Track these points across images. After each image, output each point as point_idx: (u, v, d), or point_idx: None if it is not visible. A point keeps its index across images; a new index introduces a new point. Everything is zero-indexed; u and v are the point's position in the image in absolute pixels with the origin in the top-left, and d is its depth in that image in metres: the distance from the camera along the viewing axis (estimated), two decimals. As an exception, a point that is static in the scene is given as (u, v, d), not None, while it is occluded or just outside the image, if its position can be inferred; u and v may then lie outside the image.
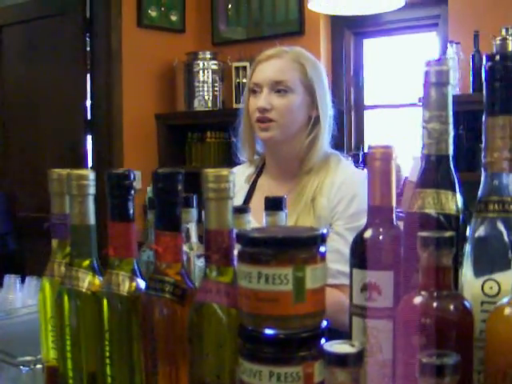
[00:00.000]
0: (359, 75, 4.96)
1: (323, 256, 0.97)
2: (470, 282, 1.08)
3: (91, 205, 1.24)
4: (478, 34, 4.12)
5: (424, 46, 4.77)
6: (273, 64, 2.32)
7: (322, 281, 0.98)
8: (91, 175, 1.23)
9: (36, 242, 5.07)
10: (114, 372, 1.21)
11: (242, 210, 1.44)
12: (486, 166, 1.08)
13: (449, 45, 4.18)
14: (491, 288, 1.05)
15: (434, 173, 1.11)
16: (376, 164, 1.15)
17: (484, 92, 1.09)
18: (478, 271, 1.07)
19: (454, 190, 1.11)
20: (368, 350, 1.15)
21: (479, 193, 1.09)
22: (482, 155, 1.09)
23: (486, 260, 1.07)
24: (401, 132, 4.69)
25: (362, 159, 4.25)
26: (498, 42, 4.05)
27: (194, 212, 1.52)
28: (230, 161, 4.75)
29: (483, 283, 1.06)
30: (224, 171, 1.05)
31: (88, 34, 5.03)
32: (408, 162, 3.32)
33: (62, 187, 1.30)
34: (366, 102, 4.95)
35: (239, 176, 2.46)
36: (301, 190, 2.30)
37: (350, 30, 4.93)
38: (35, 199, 5.14)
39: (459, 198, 1.11)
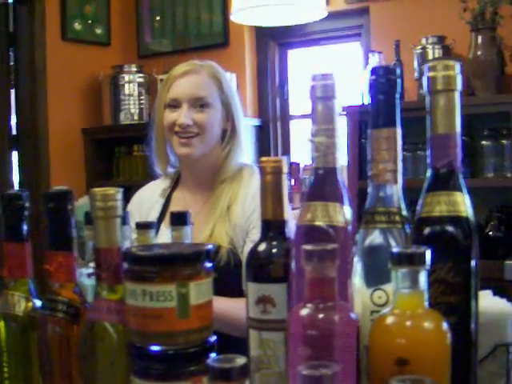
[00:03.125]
0: (284, 86, 4.99)
1: (208, 271, 0.99)
2: (360, 291, 1.10)
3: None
4: (399, 43, 4.19)
5: (348, 55, 4.83)
6: (191, 79, 2.32)
7: (208, 296, 0.99)
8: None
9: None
10: (13, 392, 1.20)
11: (145, 225, 1.45)
12: (372, 178, 1.11)
13: (371, 54, 4.23)
14: (380, 297, 1.07)
15: (322, 186, 1.13)
16: (267, 178, 1.16)
17: (369, 105, 1.12)
18: (368, 281, 1.09)
19: (341, 202, 1.13)
20: (265, 362, 1.17)
21: (366, 204, 1.11)
22: (368, 167, 1.11)
23: (375, 270, 1.10)
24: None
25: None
26: (418, 51, 4.13)
27: (127, 229, 1.53)
28: (157, 174, 4.77)
29: (372, 293, 1.08)
30: (111, 190, 1.05)
31: (12, 49, 4.97)
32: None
33: None
34: (292, 112, 4.98)
35: (154, 190, 2.48)
36: (216, 199, 2.31)
37: (274, 41, 4.96)
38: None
39: (347, 209, 1.13)
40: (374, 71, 1.11)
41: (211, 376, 0.90)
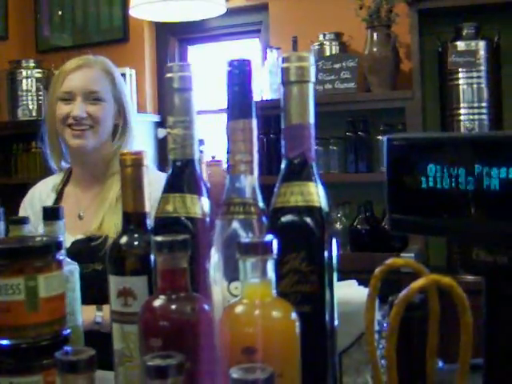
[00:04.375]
0: (184, 81, 4.99)
1: (59, 264, 0.98)
2: (218, 282, 1.11)
3: None
4: (297, 39, 4.23)
5: (248, 51, 4.85)
6: (84, 73, 2.32)
7: (59, 289, 0.98)
8: None
9: None
10: None
11: (19, 221, 1.43)
12: (229, 169, 1.12)
13: (268, 50, 4.26)
14: (236, 288, 1.08)
15: (180, 177, 1.14)
16: (127, 170, 1.16)
17: (226, 97, 1.12)
18: (225, 272, 1.10)
19: (199, 194, 1.13)
20: (128, 355, 1.17)
21: (224, 195, 1.12)
22: (226, 158, 1.12)
23: (232, 261, 1.10)
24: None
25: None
26: (316, 48, 4.17)
27: (1, 225, 1.51)
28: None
29: (229, 284, 1.09)
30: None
31: None
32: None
33: None
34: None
35: (47, 185, 2.47)
36: (105, 192, 2.32)
37: (174, 37, 4.95)
38: None
39: (205, 201, 1.14)
40: (230, 63, 1.12)
41: (59, 369, 0.90)
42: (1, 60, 5.05)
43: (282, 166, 1.11)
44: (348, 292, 1.26)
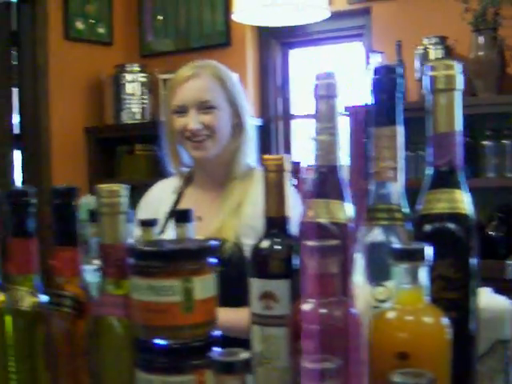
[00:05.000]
0: (286, 85, 5.00)
1: (213, 267, 1.00)
2: (361, 287, 1.11)
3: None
4: (401, 43, 4.20)
5: (350, 55, 4.84)
6: (194, 84, 2.35)
7: (212, 291, 1.01)
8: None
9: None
10: (18, 386, 1.22)
11: (148, 223, 1.46)
12: (374, 176, 1.12)
13: (372, 54, 4.25)
14: (381, 293, 1.09)
15: (324, 183, 1.15)
16: (270, 175, 1.18)
17: (371, 104, 1.13)
18: (369, 277, 1.11)
19: (343, 200, 1.14)
20: (268, 358, 1.18)
21: (368, 201, 1.13)
22: (370, 165, 1.13)
23: (376, 266, 1.11)
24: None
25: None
26: (420, 52, 4.14)
27: (131, 227, 1.54)
28: (160, 173, 4.78)
29: (373, 289, 1.09)
30: (116, 186, 1.07)
31: (14, 48, 4.99)
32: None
33: None
34: (293, 112, 4.99)
35: (167, 187, 2.53)
36: (227, 196, 2.35)
37: (276, 41, 4.97)
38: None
39: (349, 206, 1.15)
40: (376, 70, 1.13)
41: (214, 369, 0.92)
42: (106, 65, 5.15)
43: (429, 173, 1.11)
44: (485, 299, 1.25)
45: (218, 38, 5.00)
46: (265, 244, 1.19)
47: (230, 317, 1.95)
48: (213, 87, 2.36)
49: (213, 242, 1.01)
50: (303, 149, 4.94)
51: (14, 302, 1.20)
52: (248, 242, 2.26)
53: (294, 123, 5.00)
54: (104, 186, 1.07)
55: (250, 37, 4.95)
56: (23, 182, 4.92)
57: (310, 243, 1.00)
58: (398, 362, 0.93)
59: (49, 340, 1.16)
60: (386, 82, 1.12)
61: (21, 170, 5.00)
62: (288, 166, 1.19)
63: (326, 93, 1.15)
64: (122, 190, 1.07)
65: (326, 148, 1.14)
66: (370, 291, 1.10)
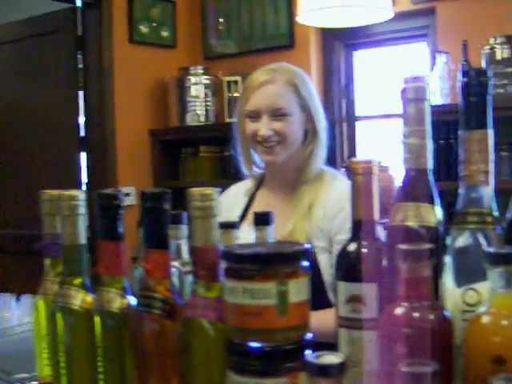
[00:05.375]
0: (350, 87, 4.99)
1: (306, 270, 1.01)
2: (450, 291, 1.11)
3: (82, 224, 1.27)
4: (467, 43, 4.15)
5: (414, 56, 4.81)
6: (268, 91, 2.36)
7: (305, 295, 1.01)
8: (81, 196, 1.26)
9: (21, 260, 5.13)
10: (107, 386, 1.23)
11: (229, 225, 1.47)
12: (463, 179, 1.12)
13: (437, 55, 4.21)
14: (471, 297, 1.08)
15: (414, 187, 1.14)
16: (358, 178, 1.18)
17: (460, 107, 1.12)
18: (459, 281, 1.10)
19: (433, 203, 1.14)
20: (354, 361, 1.18)
21: (458, 205, 1.12)
22: (459, 168, 1.12)
23: (466, 270, 1.10)
24: (392, 142, 4.71)
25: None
26: (486, 52, 4.09)
27: (184, 229, 1.55)
28: (224, 175, 4.83)
29: (464, 293, 1.09)
30: (208, 190, 1.08)
31: (80, 52, 5.05)
32: (401, 172, 3.36)
33: (53, 208, 1.33)
34: (358, 113, 4.98)
35: (239, 190, 2.56)
36: (298, 199, 2.37)
37: (340, 42, 4.96)
38: (24, 218, 5.17)
39: (438, 210, 1.14)
40: (465, 73, 1.12)
41: (310, 372, 0.92)
42: (170, 67, 5.19)
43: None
44: None
45: (281, 40, 5.00)
46: (352, 247, 1.18)
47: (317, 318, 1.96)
48: (286, 94, 2.37)
49: (307, 246, 1.01)
50: (367, 151, 4.92)
51: (104, 303, 1.21)
52: (319, 245, 2.26)
53: (358, 125, 4.98)
54: (196, 190, 1.08)
55: (314, 38, 4.94)
56: (88, 184, 4.99)
57: (404, 247, 1.00)
58: (494, 367, 0.92)
59: (138, 341, 1.17)
60: (476, 84, 1.11)
61: (86, 172, 5.06)
62: (376, 170, 1.19)
63: (414, 96, 1.15)
64: (214, 194, 1.08)
65: (416, 151, 1.14)
66: (460, 295, 1.09)
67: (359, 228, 1.19)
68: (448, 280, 1.12)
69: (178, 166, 5.24)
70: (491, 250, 0.96)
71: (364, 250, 1.18)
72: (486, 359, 0.93)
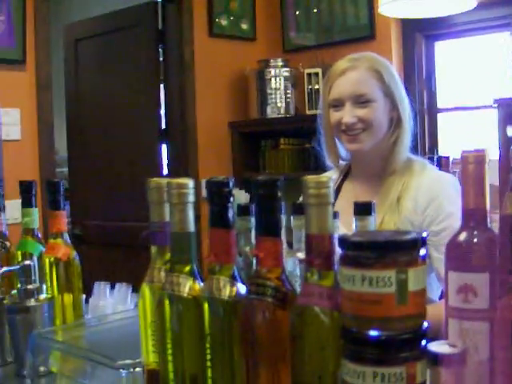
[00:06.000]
0: (431, 78, 4.94)
1: (424, 259, 1.00)
2: None
3: (191, 212, 1.28)
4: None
5: (497, 46, 4.73)
6: (350, 77, 2.34)
7: (423, 283, 1.00)
8: (191, 184, 1.26)
9: (103, 250, 5.20)
10: (215, 375, 1.24)
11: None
12: None
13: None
14: None
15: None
16: (469, 168, 1.17)
17: None
18: None
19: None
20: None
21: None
22: None
23: None
24: (475, 135, 4.65)
25: (436, 163, 4.23)
26: None
27: (252, 220, 1.56)
28: (304, 167, 4.82)
29: None
30: (324, 177, 1.08)
31: (161, 45, 5.11)
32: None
33: (160, 196, 1.35)
34: (439, 105, 4.92)
35: None
36: (386, 190, 2.34)
37: (421, 33, 4.91)
38: (106, 208, 5.25)
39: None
40: None
41: (432, 361, 0.92)
42: (249, 60, 5.21)
43: None
44: None
45: (361, 31, 4.98)
46: (463, 236, 1.17)
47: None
48: (369, 80, 2.34)
49: (424, 235, 1.01)
50: (449, 143, 4.86)
51: (213, 290, 1.22)
52: None
53: (440, 117, 4.93)
54: (312, 177, 1.08)
55: (395, 29, 4.91)
56: (169, 176, 5.04)
57: (525, 236, 0.98)
58: None
59: (248, 329, 1.18)
60: None
61: (167, 164, 5.12)
62: (488, 159, 1.18)
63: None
64: (329, 181, 1.08)
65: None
66: None
67: (470, 217, 1.18)
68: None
69: (257, 158, 5.26)
70: None
71: (475, 240, 1.17)
72: None
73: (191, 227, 1.28)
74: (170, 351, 1.31)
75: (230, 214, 1.22)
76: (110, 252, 5.19)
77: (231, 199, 1.22)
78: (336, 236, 1.05)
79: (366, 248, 0.97)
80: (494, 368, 1.10)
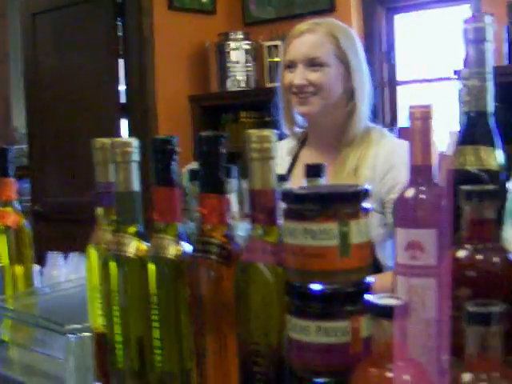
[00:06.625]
0: (391, 51, 4.93)
1: (366, 212, 0.99)
2: (509, 234, 1.09)
3: (135, 171, 1.26)
4: (512, 4, 4.09)
5: (457, 19, 4.73)
6: (306, 40, 2.33)
7: (367, 237, 0.99)
8: (135, 142, 1.25)
9: (64, 226, 5.17)
10: (161, 335, 1.23)
11: (281, 178, 1.45)
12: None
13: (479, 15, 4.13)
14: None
15: (474, 129, 1.12)
16: (416, 123, 1.15)
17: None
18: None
19: (494, 146, 1.11)
20: (411, 309, 1.16)
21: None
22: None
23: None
24: (436, 107, 4.65)
25: (398, 134, 4.24)
26: (532, 13, 4.02)
27: (234, 183, 1.54)
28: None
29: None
30: (266, 132, 1.06)
31: (119, 19, 5.05)
32: (444, 136, 3.31)
33: (106, 156, 1.33)
34: (399, 78, 4.92)
35: (281, 149, 2.50)
36: (342, 160, 2.32)
37: (381, 6, 4.90)
38: (66, 184, 5.21)
39: (500, 154, 1.12)
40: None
41: (376, 314, 0.91)
42: (210, 33, 5.17)
43: None
44: None
45: (321, 4, 4.95)
46: (411, 193, 1.16)
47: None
48: (325, 44, 2.32)
49: (368, 187, 1.00)
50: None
51: (158, 250, 1.21)
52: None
53: (399, 89, 4.93)
54: (254, 131, 1.06)
55: (354, 2, 4.89)
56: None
57: (468, 188, 0.98)
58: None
59: (194, 288, 1.16)
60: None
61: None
62: (434, 115, 1.17)
63: (474, 37, 1.12)
64: (272, 136, 1.06)
65: (476, 93, 1.11)
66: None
67: (417, 173, 1.17)
68: (509, 225, 1.09)
69: (218, 131, 5.22)
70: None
71: (422, 196, 1.16)
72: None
73: (136, 186, 1.26)
74: (116, 313, 1.29)
75: (174, 171, 1.20)
76: (71, 228, 5.14)
77: (175, 157, 1.20)
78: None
79: (308, 201, 0.96)
80: (439, 325, 1.09)
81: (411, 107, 1.16)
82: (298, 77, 2.31)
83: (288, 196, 0.99)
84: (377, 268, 1.95)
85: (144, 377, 1.28)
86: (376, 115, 4.70)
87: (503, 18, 4.05)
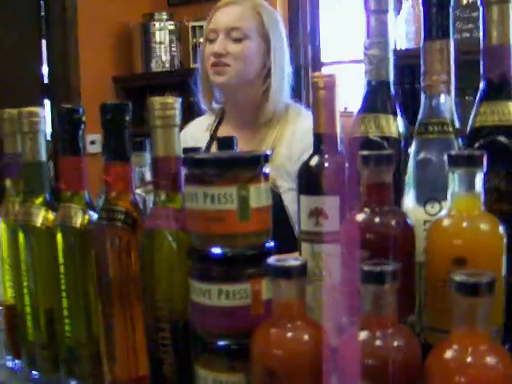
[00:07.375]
0: (316, 31, 4.95)
1: (266, 176, 1.00)
2: (412, 202, 1.11)
3: (42, 141, 1.26)
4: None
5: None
6: (229, 11, 2.34)
7: (267, 201, 1.01)
8: (41, 112, 1.24)
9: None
10: (70, 305, 1.23)
11: (192, 151, 1.46)
12: (425, 89, 1.12)
13: (403, -1, 4.19)
14: (433, 207, 1.08)
15: (375, 98, 1.15)
16: (320, 92, 1.17)
17: (422, 18, 1.12)
18: (421, 192, 1.11)
19: (394, 114, 1.14)
20: (318, 274, 1.19)
21: (419, 116, 1.12)
22: (421, 79, 1.12)
23: (428, 181, 1.11)
24: (359, 88, 4.70)
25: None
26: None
27: (147, 156, 1.54)
28: (189, 121, 4.78)
29: (425, 203, 1.09)
30: (170, 99, 1.07)
31: (42, -1, 4.98)
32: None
33: (14, 127, 1.32)
34: (323, 59, 4.95)
35: (200, 125, 2.52)
36: (260, 140, 2.34)
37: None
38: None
39: (400, 121, 1.14)
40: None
41: (273, 274, 0.93)
42: (134, 14, 5.12)
43: (481, 86, 1.11)
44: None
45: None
46: (314, 161, 1.18)
47: None
48: (248, 18, 2.34)
49: (267, 152, 1.01)
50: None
51: (65, 219, 1.21)
52: (285, 185, 2.24)
53: (323, 70, 4.96)
54: (157, 99, 1.07)
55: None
56: (53, 132, 4.94)
57: (365, 152, 1.00)
58: (455, 268, 0.93)
59: (100, 255, 1.16)
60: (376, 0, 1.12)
61: (51, 119, 5.02)
62: (338, 83, 1.19)
63: (375, 7, 1.14)
64: (176, 103, 1.07)
65: (377, 62, 1.14)
66: (422, 205, 1.10)
67: (321, 142, 1.19)
68: (410, 191, 1.12)
69: (143, 112, 5.19)
70: (453, 152, 0.97)
71: (326, 164, 1.18)
72: (447, 260, 0.94)
73: (42, 156, 1.26)
74: (25, 284, 1.29)
75: (80, 141, 1.21)
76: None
77: (82, 126, 1.20)
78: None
79: (207, 165, 0.98)
80: (343, 288, 1.11)
81: (314, 76, 1.18)
82: (217, 45, 2.31)
83: (188, 161, 1.00)
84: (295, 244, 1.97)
85: (54, 348, 1.28)
86: (299, 96, 4.75)
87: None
